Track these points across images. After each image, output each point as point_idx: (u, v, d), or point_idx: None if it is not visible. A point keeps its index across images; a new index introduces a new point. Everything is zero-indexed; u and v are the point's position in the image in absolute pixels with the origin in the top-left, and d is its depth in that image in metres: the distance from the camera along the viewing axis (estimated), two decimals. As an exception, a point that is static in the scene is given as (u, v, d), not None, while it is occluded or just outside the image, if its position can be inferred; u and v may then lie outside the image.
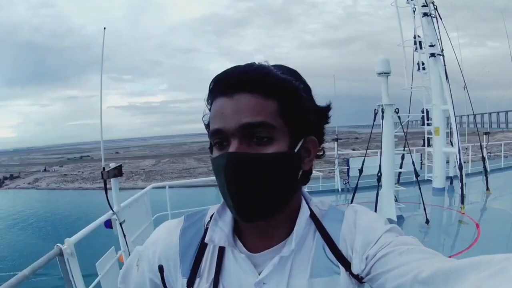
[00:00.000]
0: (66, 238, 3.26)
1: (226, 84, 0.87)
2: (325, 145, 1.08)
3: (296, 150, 0.90)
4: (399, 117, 8.18)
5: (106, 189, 4.25)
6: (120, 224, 4.39)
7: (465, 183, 10.78)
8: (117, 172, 4.34)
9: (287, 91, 0.89)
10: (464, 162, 13.45)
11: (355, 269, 0.89)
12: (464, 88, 13.54)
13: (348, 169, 11.74)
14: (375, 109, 8.07)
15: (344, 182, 11.95)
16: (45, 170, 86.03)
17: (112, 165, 4.32)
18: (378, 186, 8.24)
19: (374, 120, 8.14)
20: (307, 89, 0.96)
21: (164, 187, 7.84)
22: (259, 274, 0.92)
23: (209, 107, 0.94)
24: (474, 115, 13.17)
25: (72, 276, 3.21)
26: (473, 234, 7.30)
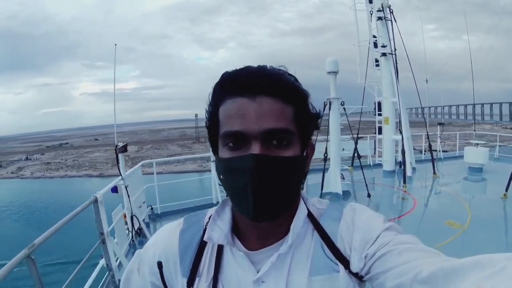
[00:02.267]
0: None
1: (247, 85, 0.87)
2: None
3: (304, 154, 0.95)
4: (344, 108, 9.92)
5: (118, 161, 5.94)
6: (126, 187, 6.00)
7: (414, 167, 12.71)
8: (124, 149, 5.95)
9: (301, 98, 0.93)
10: (421, 151, 15.24)
11: (354, 268, 0.90)
12: (426, 82, 15.25)
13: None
14: (324, 102, 9.72)
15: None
16: (27, 158, 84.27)
17: (120, 143, 5.89)
18: (324, 166, 9.94)
19: (324, 110, 9.66)
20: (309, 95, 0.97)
21: (152, 170, 9.04)
22: (258, 272, 0.93)
23: (212, 102, 0.93)
24: (422, 108, 14.74)
25: (100, 219, 4.79)
26: (409, 207, 8.96)
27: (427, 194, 10.81)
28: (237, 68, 0.92)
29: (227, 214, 1.01)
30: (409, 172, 11.64)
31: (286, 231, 0.94)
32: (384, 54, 13.12)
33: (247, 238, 0.99)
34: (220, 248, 1.00)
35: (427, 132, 13.90)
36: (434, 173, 12.36)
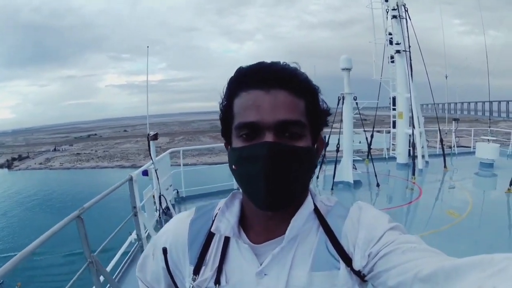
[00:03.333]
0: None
1: (261, 78, 0.90)
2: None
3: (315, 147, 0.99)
4: (357, 103, 10.71)
5: (149, 147, 6.71)
6: (155, 170, 6.83)
7: (427, 161, 13.48)
8: (155, 137, 6.71)
9: (312, 92, 0.97)
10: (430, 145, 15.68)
11: (356, 265, 0.91)
12: (446, 77, 15.75)
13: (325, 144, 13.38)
14: (338, 96, 10.53)
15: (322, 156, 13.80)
16: (55, 149, 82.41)
17: (152, 132, 6.66)
18: (337, 157, 10.76)
19: (338, 104, 10.52)
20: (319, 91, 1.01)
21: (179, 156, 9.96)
22: (261, 265, 0.96)
23: (227, 95, 0.97)
24: (435, 104, 15.19)
25: (134, 195, 5.68)
26: (414, 197, 9.61)
27: (434, 186, 11.32)
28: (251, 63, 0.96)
29: (235, 207, 1.05)
30: (420, 165, 12.22)
31: None
32: (398, 51, 13.71)
33: (253, 231, 1.02)
34: (227, 240, 1.04)
35: (439, 128, 14.47)
36: (445, 167, 12.88)
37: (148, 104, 6.74)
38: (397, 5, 13.67)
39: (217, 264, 1.01)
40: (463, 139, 17.26)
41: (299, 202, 0.99)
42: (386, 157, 15.17)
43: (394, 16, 13.78)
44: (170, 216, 7.34)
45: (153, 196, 7.20)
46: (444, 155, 13.35)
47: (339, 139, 10.87)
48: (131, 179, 5.62)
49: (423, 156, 13.24)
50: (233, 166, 0.94)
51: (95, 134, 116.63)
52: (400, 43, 13.66)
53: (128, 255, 6.06)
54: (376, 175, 10.48)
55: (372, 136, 13.18)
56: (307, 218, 0.98)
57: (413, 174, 11.33)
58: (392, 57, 14.19)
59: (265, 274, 0.95)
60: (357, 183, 10.61)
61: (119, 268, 5.51)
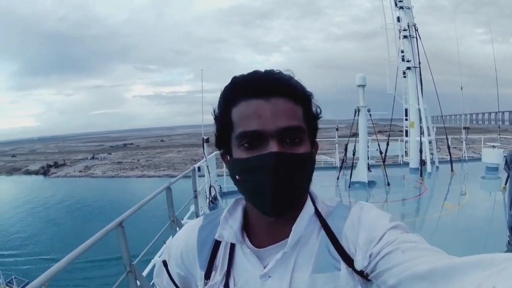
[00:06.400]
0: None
1: (260, 87, 0.92)
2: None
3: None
4: (370, 114, 12.46)
5: (204, 148, 8.56)
6: (207, 167, 8.69)
7: (438, 166, 15.00)
8: (207, 140, 8.47)
9: (308, 98, 0.99)
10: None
11: (358, 266, 0.92)
12: (461, 89, 17.09)
13: (345, 151, 14.16)
14: (355, 109, 12.38)
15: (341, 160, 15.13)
16: (93, 157, 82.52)
17: (205, 136, 8.47)
18: (353, 160, 12.72)
19: (355, 116, 12.42)
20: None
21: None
22: (265, 268, 0.99)
23: (223, 104, 0.99)
24: (442, 116, 16.20)
25: (196, 182, 7.61)
26: (419, 194, 11.28)
27: (440, 186, 12.93)
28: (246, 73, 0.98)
29: (238, 213, 1.08)
30: (429, 169, 13.85)
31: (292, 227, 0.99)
32: (409, 68, 15.26)
33: (256, 236, 1.05)
34: (233, 245, 1.07)
35: (447, 136, 15.75)
36: (452, 170, 14.15)
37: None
38: (408, 26, 15.25)
39: (226, 269, 1.05)
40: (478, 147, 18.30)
41: (300, 205, 1.03)
42: (401, 163, 16.56)
43: (405, 36, 15.33)
44: (216, 205, 9.28)
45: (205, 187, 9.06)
46: (451, 160, 14.61)
47: (355, 146, 12.85)
48: (194, 169, 7.52)
49: (433, 162, 14.72)
50: (237, 177, 0.97)
51: (132, 144, 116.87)
52: (410, 60, 15.21)
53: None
54: (387, 176, 12.10)
55: (387, 144, 14.72)
56: (308, 221, 1.01)
57: (420, 175, 12.92)
58: (404, 72, 15.67)
59: (269, 276, 0.99)
60: (371, 183, 12.23)
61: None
